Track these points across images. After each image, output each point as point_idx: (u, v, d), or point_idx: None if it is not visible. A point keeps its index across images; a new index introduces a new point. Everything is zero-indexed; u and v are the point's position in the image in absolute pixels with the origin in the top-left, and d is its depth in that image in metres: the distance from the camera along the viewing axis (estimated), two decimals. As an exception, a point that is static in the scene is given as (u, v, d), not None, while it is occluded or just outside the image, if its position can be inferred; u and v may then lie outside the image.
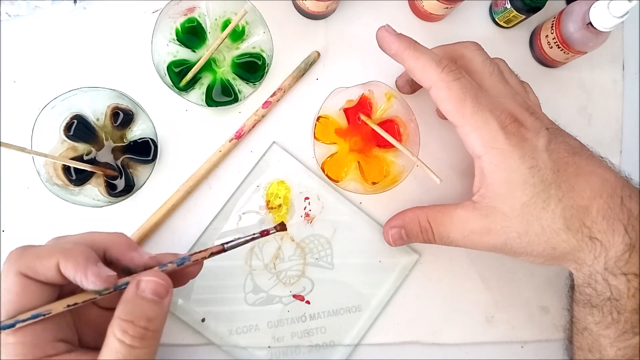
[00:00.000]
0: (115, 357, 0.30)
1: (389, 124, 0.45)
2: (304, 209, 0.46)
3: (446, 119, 0.47)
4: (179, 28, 0.44)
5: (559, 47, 0.46)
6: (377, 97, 0.45)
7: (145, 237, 0.44)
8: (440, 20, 0.50)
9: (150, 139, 0.43)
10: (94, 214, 0.43)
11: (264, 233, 0.37)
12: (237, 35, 0.45)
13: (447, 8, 0.45)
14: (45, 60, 0.45)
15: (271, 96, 0.46)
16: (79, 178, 0.41)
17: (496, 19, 0.50)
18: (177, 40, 0.44)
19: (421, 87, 0.47)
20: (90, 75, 0.45)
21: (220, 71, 0.45)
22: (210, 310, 0.44)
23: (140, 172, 0.43)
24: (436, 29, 0.50)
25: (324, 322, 0.45)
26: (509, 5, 0.46)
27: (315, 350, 0.45)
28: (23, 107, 0.44)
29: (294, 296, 0.45)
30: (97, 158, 0.42)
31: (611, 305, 0.37)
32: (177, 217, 0.45)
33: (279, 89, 0.46)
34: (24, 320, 0.30)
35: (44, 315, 0.31)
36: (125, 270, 0.34)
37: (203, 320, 0.44)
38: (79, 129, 0.42)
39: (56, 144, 0.42)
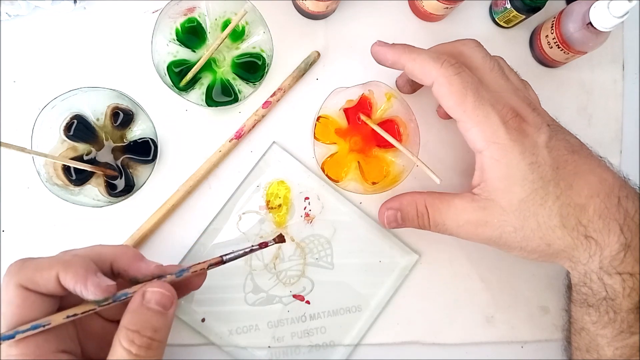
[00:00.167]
0: None
1: (389, 124, 0.45)
2: (304, 209, 0.46)
3: (446, 118, 0.47)
4: (179, 28, 0.44)
5: (559, 47, 0.46)
6: (377, 97, 0.45)
7: (145, 237, 0.44)
8: (440, 20, 0.50)
9: (150, 139, 0.43)
10: (94, 214, 0.43)
11: (263, 245, 0.37)
12: (237, 35, 0.45)
13: (447, 8, 0.45)
14: (45, 60, 0.45)
15: (271, 96, 0.46)
16: (79, 178, 0.41)
17: (496, 19, 0.50)
18: (177, 40, 0.44)
19: (421, 86, 0.47)
20: (90, 75, 0.45)
21: (220, 71, 0.45)
22: (210, 310, 0.44)
23: (140, 172, 0.43)
24: (436, 29, 0.50)
25: (324, 322, 0.45)
26: (509, 5, 0.46)
27: (315, 350, 0.45)
28: (23, 107, 0.44)
29: (294, 296, 0.45)
30: (97, 158, 0.42)
31: (607, 304, 0.37)
32: (177, 217, 0.45)
33: (279, 89, 0.46)
34: (23, 331, 0.30)
35: (44, 326, 0.31)
36: (133, 281, 0.34)
37: (203, 320, 0.44)
38: (79, 129, 0.42)
39: (56, 144, 0.42)
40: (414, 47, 0.39)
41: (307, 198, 0.46)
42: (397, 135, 0.45)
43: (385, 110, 0.46)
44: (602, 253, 0.36)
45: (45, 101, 0.40)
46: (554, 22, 0.46)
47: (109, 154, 0.43)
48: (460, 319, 0.47)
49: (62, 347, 0.32)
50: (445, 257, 0.47)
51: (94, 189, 0.42)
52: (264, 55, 0.44)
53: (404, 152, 0.43)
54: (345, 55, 0.48)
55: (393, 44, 0.40)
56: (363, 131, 0.45)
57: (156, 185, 0.44)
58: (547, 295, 0.48)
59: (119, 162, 0.42)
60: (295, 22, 0.48)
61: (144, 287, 0.33)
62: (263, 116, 0.46)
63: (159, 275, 0.34)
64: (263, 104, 0.46)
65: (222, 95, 0.44)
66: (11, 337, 0.30)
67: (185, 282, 0.36)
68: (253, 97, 0.44)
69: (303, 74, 0.47)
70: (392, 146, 0.44)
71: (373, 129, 0.44)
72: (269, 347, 0.44)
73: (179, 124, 0.46)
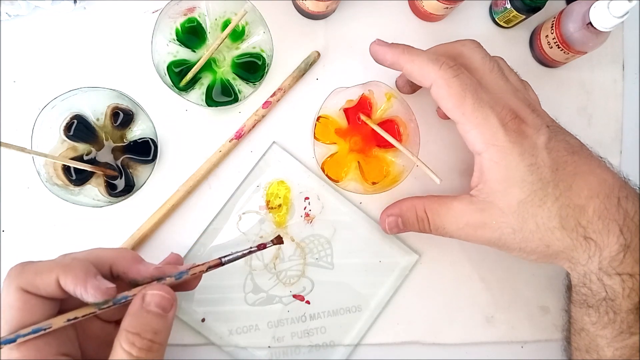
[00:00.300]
0: None
1: (389, 124, 0.45)
2: (304, 209, 0.46)
3: (446, 119, 0.47)
4: (179, 28, 0.44)
5: (559, 47, 0.46)
6: (377, 97, 0.45)
7: (145, 237, 0.44)
8: (440, 20, 0.50)
9: (150, 139, 0.43)
10: (94, 214, 0.43)
11: (261, 247, 0.38)
12: (237, 35, 0.45)
13: (447, 8, 0.45)
14: (45, 60, 0.45)
15: (271, 96, 0.46)
16: (79, 178, 0.41)
17: (496, 19, 0.50)
18: (177, 40, 0.44)
19: (421, 86, 0.47)
20: (90, 75, 0.45)
21: (220, 71, 0.45)
22: (210, 310, 0.44)
23: (140, 172, 0.43)
24: (436, 29, 0.50)
25: (324, 322, 0.45)
26: (509, 5, 0.46)
27: (315, 350, 0.45)
28: (23, 107, 0.44)
29: (294, 296, 0.45)
30: (97, 158, 0.42)
31: (607, 305, 0.37)
32: (177, 217, 0.45)
33: (279, 89, 0.46)
34: (24, 335, 0.30)
35: (45, 329, 0.31)
36: (132, 283, 0.34)
37: (203, 320, 0.44)
38: (79, 129, 0.42)
39: (56, 144, 0.42)
40: (412, 48, 0.39)
41: (307, 198, 0.46)
42: (397, 135, 0.45)
43: (385, 110, 0.46)
44: (601, 254, 0.36)
45: (45, 101, 0.40)
46: (554, 22, 0.46)
47: (109, 154, 0.43)
48: (460, 319, 0.47)
49: (62, 350, 0.32)
50: (445, 257, 0.47)
51: (94, 189, 0.42)
52: (264, 55, 0.44)
53: (404, 152, 0.43)
54: (345, 55, 0.48)
55: (392, 43, 0.40)
56: (363, 131, 0.45)
57: (156, 185, 0.44)
58: (547, 295, 0.48)
59: (119, 162, 0.42)
60: (295, 22, 0.48)
61: (143, 289, 0.33)
62: (263, 116, 0.46)
63: (158, 278, 0.35)
64: (263, 104, 0.46)
65: (222, 95, 0.44)
66: (12, 341, 0.30)
67: (181, 283, 0.36)
68: (253, 97, 0.44)
69: (303, 74, 0.47)
70: (392, 146, 0.44)
71: (373, 129, 0.44)
72: (269, 347, 0.44)
73: (179, 124, 0.46)
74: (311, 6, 0.45)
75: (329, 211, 0.46)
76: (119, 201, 0.41)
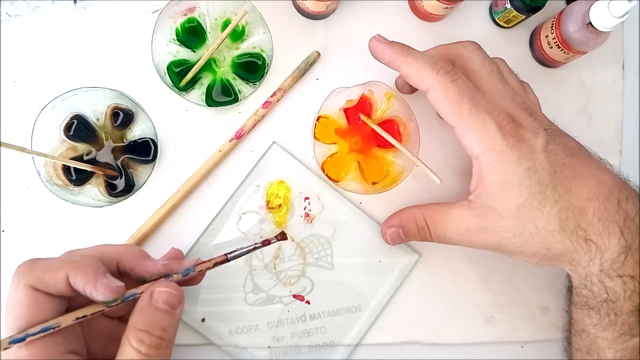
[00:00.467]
0: None
1: (389, 124, 0.45)
2: (304, 209, 0.46)
3: (446, 119, 0.47)
4: (179, 28, 0.44)
5: (559, 47, 0.46)
6: (377, 97, 0.45)
7: (145, 237, 0.44)
8: (440, 20, 0.50)
9: (150, 139, 0.43)
10: (94, 214, 0.43)
11: (266, 243, 0.38)
12: (237, 35, 0.45)
13: (447, 8, 0.45)
14: (45, 60, 0.45)
15: (271, 96, 0.46)
16: (79, 178, 0.41)
17: (496, 19, 0.50)
18: (177, 40, 0.44)
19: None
20: (90, 75, 0.45)
21: (220, 71, 0.45)
22: (210, 310, 0.44)
23: (140, 172, 0.43)
24: (436, 29, 0.50)
25: (324, 322, 0.45)
26: (509, 5, 0.46)
27: (315, 350, 0.45)
28: (23, 107, 0.44)
29: (294, 296, 0.45)
30: (97, 158, 0.42)
31: (608, 307, 0.37)
32: (177, 217, 0.45)
33: (279, 89, 0.46)
34: (34, 334, 0.30)
35: (54, 328, 0.31)
36: (139, 280, 0.35)
37: (203, 320, 0.44)
38: (79, 129, 0.42)
39: (56, 144, 0.42)
40: (411, 49, 0.39)
41: (307, 198, 0.46)
42: (397, 135, 0.45)
43: (385, 110, 0.46)
44: (602, 256, 0.36)
45: (45, 101, 0.40)
46: (554, 22, 0.46)
47: (109, 154, 0.43)
48: (460, 319, 0.47)
49: (70, 348, 0.32)
50: (445, 257, 0.47)
51: (94, 189, 0.42)
52: (264, 55, 0.44)
53: (404, 152, 0.43)
54: (345, 55, 0.48)
55: (392, 42, 0.40)
56: (363, 131, 0.45)
57: (156, 185, 0.44)
58: (547, 295, 0.48)
59: (119, 162, 0.42)
60: (295, 22, 0.48)
61: (151, 286, 0.33)
62: (263, 116, 0.46)
63: (165, 274, 0.35)
64: (263, 104, 0.46)
65: (222, 95, 0.44)
66: (22, 340, 0.30)
67: (187, 279, 0.36)
68: (253, 97, 0.44)
69: (303, 74, 0.47)
70: (392, 146, 0.44)
71: (373, 129, 0.44)
72: (269, 347, 0.44)
73: (179, 124, 0.46)
74: (311, 6, 0.45)
75: (329, 211, 0.46)
76: (119, 201, 0.41)
